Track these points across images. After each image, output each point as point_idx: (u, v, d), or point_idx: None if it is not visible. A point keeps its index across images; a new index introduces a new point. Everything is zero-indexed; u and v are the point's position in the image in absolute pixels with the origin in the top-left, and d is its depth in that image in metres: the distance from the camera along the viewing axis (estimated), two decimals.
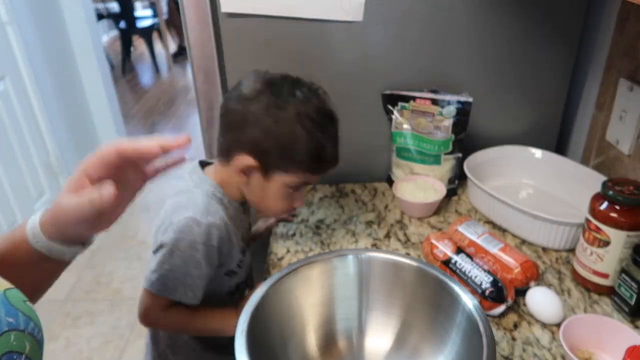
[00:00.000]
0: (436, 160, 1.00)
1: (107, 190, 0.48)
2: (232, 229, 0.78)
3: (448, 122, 0.96)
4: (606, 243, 0.74)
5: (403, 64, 0.99)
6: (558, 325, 0.71)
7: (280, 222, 0.98)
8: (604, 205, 0.73)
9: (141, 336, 0.86)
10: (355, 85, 1.01)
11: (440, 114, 0.95)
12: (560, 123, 1.07)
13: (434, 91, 0.97)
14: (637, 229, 0.71)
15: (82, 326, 1.90)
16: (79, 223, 0.50)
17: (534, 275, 0.77)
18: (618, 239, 0.72)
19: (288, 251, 0.90)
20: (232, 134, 0.75)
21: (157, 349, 0.89)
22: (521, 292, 0.76)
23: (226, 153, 0.76)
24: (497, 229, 0.94)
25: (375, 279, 0.60)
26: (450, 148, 0.98)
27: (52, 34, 2.43)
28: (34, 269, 0.52)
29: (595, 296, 0.78)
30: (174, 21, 4.64)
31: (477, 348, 0.49)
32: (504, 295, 0.72)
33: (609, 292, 0.77)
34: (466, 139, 0.99)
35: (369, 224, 0.97)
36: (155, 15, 4.51)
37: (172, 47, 4.82)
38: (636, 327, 0.72)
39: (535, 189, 1.02)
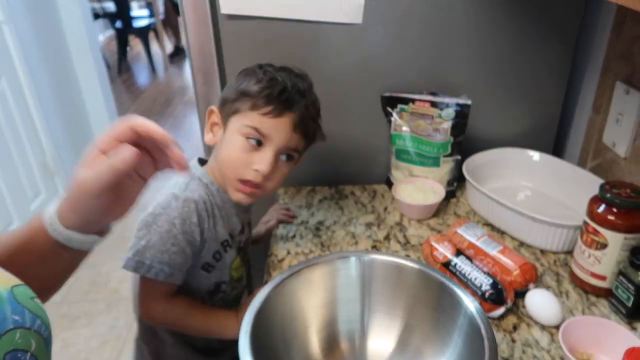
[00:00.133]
0: (435, 162, 1.00)
1: (127, 150, 0.46)
2: (217, 215, 0.79)
3: (447, 125, 0.96)
4: (604, 245, 0.74)
5: (402, 65, 0.99)
6: (557, 327, 0.72)
7: (280, 223, 0.99)
8: (602, 208, 0.74)
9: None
10: (354, 86, 1.01)
11: (440, 116, 0.96)
12: (557, 125, 1.08)
13: (433, 93, 0.97)
14: (634, 231, 0.72)
15: (80, 327, 1.90)
16: (100, 196, 0.48)
17: (532, 278, 0.78)
18: (615, 241, 0.73)
19: (288, 253, 0.90)
20: None
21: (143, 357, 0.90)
22: (520, 294, 0.77)
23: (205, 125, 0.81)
24: (496, 231, 0.94)
25: (378, 281, 0.61)
26: (449, 150, 0.99)
27: (48, 34, 2.42)
28: (54, 259, 0.51)
29: (593, 298, 0.79)
30: (171, 21, 4.63)
31: (479, 351, 0.49)
32: (503, 297, 0.73)
33: (607, 294, 0.78)
34: (464, 141, 1.00)
35: (369, 225, 0.98)
36: (151, 15, 4.50)
37: (169, 47, 4.81)
38: (633, 328, 0.73)
39: (533, 191, 1.03)
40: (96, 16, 3.98)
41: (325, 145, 1.06)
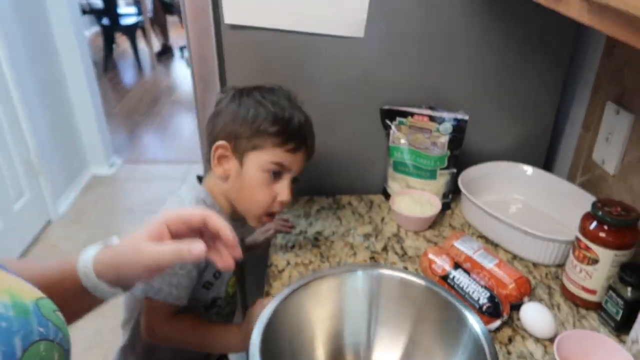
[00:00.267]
0: (432, 175, 1.03)
1: (199, 246, 0.49)
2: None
3: (444, 139, 0.99)
4: (595, 261, 0.78)
5: (401, 79, 1.02)
6: (550, 339, 0.75)
7: (278, 233, 1.00)
8: (594, 225, 0.77)
9: (116, 340, 0.87)
10: (353, 99, 1.03)
11: (437, 130, 0.98)
12: (549, 141, 1.12)
13: (432, 108, 1.00)
14: (624, 248, 0.75)
15: None
16: (150, 270, 0.50)
17: (527, 291, 0.81)
18: (606, 257, 0.76)
19: (288, 263, 0.92)
20: (209, 134, 0.81)
21: None
22: (515, 307, 0.80)
23: (208, 154, 0.81)
24: (490, 244, 0.97)
25: (385, 296, 0.62)
26: (446, 163, 1.02)
27: (34, 29, 2.37)
28: (76, 302, 0.52)
29: (583, 311, 0.82)
30: (159, 19, 4.59)
31: None
32: (500, 310, 0.76)
33: (596, 307, 0.81)
34: (459, 154, 1.03)
35: (367, 236, 0.99)
36: (139, 13, 4.45)
37: (156, 45, 4.76)
38: (621, 341, 0.76)
39: (525, 204, 1.06)
40: (82, 12, 3.92)
41: (324, 155, 1.08)
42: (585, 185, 1.00)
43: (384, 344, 0.63)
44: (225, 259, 0.53)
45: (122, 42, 4.84)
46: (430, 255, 0.86)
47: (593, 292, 0.80)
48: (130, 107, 3.88)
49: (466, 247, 0.88)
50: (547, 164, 1.16)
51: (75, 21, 2.59)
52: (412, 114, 1.00)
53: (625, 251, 0.76)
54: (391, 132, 1.03)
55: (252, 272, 1.04)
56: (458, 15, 0.96)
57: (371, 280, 0.63)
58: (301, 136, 0.79)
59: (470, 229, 1.02)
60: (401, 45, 0.98)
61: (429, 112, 0.99)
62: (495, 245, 0.97)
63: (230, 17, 0.93)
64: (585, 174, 1.03)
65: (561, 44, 1.01)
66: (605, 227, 0.76)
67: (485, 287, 0.78)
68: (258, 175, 0.77)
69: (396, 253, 0.95)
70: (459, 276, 0.80)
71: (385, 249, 0.96)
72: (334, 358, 0.63)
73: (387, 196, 1.10)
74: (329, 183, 1.12)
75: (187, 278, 0.76)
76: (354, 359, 0.64)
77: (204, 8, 0.91)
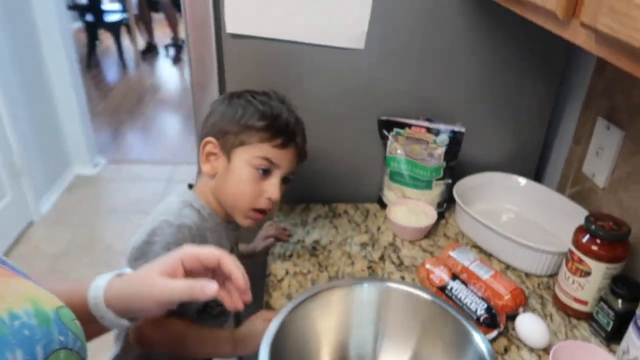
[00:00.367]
0: (428, 185, 1.04)
1: (213, 287, 0.49)
2: (210, 238, 0.80)
3: (441, 150, 1.01)
4: (587, 273, 0.80)
5: (399, 91, 1.03)
6: (544, 349, 0.77)
7: (277, 241, 1.00)
8: (586, 238, 0.80)
9: (108, 348, 0.83)
10: (351, 108, 1.04)
11: (434, 142, 1.00)
12: (540, 153, 1.15)
13: (429, 120, 1.01)
14: (616, 261, 0.78)
15: None
16: (160, 304, 0.51)
17: (522, 302, 0.83)
18: (598, 270, 0.79)
19: (287, 272, 0.92)
20: (200, 135, 0.82)
21: None
22: (510, 317, 0.82)
23: (199, 154, 0.81)
24: (483, 254, 0.99)
25: (392, 309, 0.64)
26: (442, 174, 1.03)
27: (18, 24, 2.31)
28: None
29: (574, 321, 0.85)
30: (144, 17, 4.52)
31: None
32: (497, 321, 0.78)
33: (587, 317, 0.84)
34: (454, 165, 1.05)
35: (364, 245, 1.01)
36: (124, 10, 4.38)
37: (141, 43, 4.70)
38: (611, 350, 0.78)
39: (517, 214, 1.08)
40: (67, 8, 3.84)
41: (320, 163, 1.09)
42: (575, 197, 1.03)
43: (389, 357, 0.64)
44: (235, 301, 0.54)
45: (105, 39, 4.76)
46: (428, 266, 0.88)
47: (585, 302, 0.83)
48: (114, 106, 3.82)
49: (462, 258, 0.90)
50: (536, 175, 1.19)
51: (61, 15, 2.53)
52: (409, 125, 1.01)
53: (616, 264, 0.78)
54: (388, 142, 1.04)
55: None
56: (456, 30, 0.98)
57: (378, 293, 0.64)
58: (289, 133, 0.79)
59: (464, 238, 1.04)
60: (400, 57, 0.99)
61: (426, 123, 1.01)
62: (489, 255, 0.99)
63: (232, 26, 0.93)
64: (574, 186, 1.06)
65: (554, 60, 1.04)
66: (598, 241, 0.78)
67: (483, 298, 0.80)
68: (245, 170, 0.78)
69: (393, 262, 0.96)
70: (457, 287, 0.82)
71: (382, 258, 0.97)
72: None
73: (382, 205, 1.12)
74: (324, 191, 1.13)
75: None
76: None
77: (205, 16, 0.91)
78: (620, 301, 0.77)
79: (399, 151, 1.04)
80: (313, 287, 0.64)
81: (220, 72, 0.98)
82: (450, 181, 1.05)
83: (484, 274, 0.87)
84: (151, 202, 2.73)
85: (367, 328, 0.65)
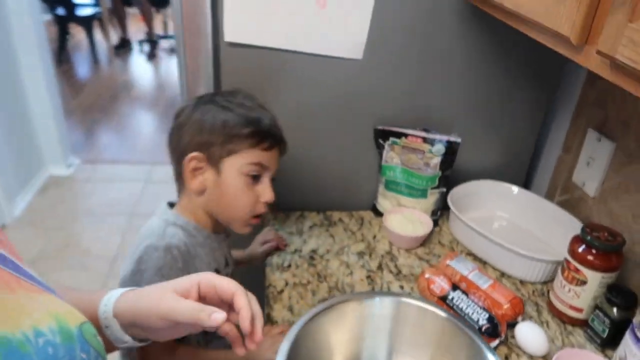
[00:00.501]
0: (423, 194, 1.05)
1: (220, 316, 0.48)
2: (201, 254, 0.78)
3: (437, 160, 1.02)
4: (583, 282, 0.83)
5: (395, 101, 1.03)
6: (543, 357, 0.79)
7: (276, 250, 0.99)
8: (582, 248, 0.82)
9: None
10: (347, 117, 1.04)
11: (430, 151, 1.01)
12: (530, 161, 1.17)
13: (426, 130, 1.02)
14: (611, 271, 0.81)
15: None
16: (164, 321, 0.49)
17: (521, 311, 0.85)
18: (594, 279, 0.81)
19: (287, 284, 0.91)
20: (174, 150, 0.78)
21: None
22: (509, 325, 0.83)
23: (178, 173, 0.78)
24: (478, 261, 1.01)
25: (406, 324, 0.64)
26: (437, 183, 1.04)
27: None
28: None
29: (570, 327, 0.87)
30: (118, 11, 4.39)
31: None
32: (498, 330, 0.79)
33: (582, 324, 0.86)
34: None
35: (361, 254, 1.01)
36: (97, 3, 4.24)
37: (114, 38, 4.56)
38: (607, 356, 0.81)
39: (508, 221, 1.11)
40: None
41: (315, 171, 1.09)
42: (564, 205, 1.06)
43: None
44: (243, 342, 0.52)
45: (76, 33, 4.60)
46: (428, 275, 0.89)
47: (580, 310, 0.85)
48: (87, 104, 3.70)
49: (461, 267, 0.91)
50: (525, 182, 1.21)
51: (33, 7, 2.42)
52: (405, 135, 1.02)
53: (611, 273, 0.81)
54: (384, 151, 1.04)
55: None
56: (453, 41, 0.98)
57: (392, 308, 0.64)
58: (274, 133, 0.78)
59: (459, 246, 1.05)
60: (396, 67, 0.99)
61: (422, 133, 1.01)
62: (484, 263, 1.00)
63: (230, 35, 0.91)
64: (564, 194, 1.09)
65: (547, 71, 1.06)
66: (594, 251, 0.81)
67: (484, 308, 0.81)
68: (238, 180, 0.76)
69: (391, 272, 0.97)
70: (458, 297, 0.83)
71: (380, 267, 0.98)
72: None
73: (377, 212, 1.12)
74: (318, 198, 1.13)
75: None
76: None
77: (203, 25, 0.89)
78: (615, 309, 0.79)
79: (395, 160, 1.04)
80: (328, 300, 0.64)
81: (216, 81, 0.96)
82: (445, 190, 1.07)
83: (483, 283, 0.88)
84: (128, 203, 2.66)
85: (380, 342, 0.65)
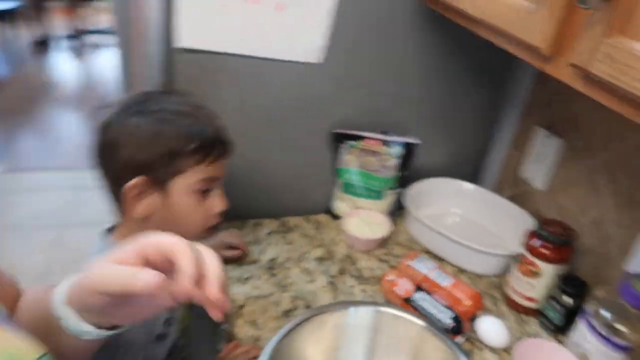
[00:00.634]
0: (379, 195, 1.05)
1: (147, 275, 0.39)
2: None
3: (394, 161, 1.02)
4: (538, 274, 0.86)
5: (351, 104, 1.02)
6: (505, 349, 0.82)
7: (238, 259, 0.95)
8: (538, 242, 0.85)
9: None
10: (303, 120, 1.01)
11: (388, 153, 1.01)
12: (480, 157, 1.21)
13: (384, 132, 1.02)
14: (563, 262, 0.85)
15: None
16: (99, 293, 0.41)
17: (481, 306, 0.87)
18: (548, 271, 0.85)
19: (248, 298, 0.87)
20: (107, 171, 0.69)
21: None
22: (469, 320, 0.85)
23: (116, 197, 0.69)
24: (436, 259, 1.02)
25: (382, 334, 0.63)
26: (395, 184, 1.04)
27: None
28: (53, 337, 0.45)
29: (524, 317, 0.91)
30: (37, 4, 4.04)
31: None
32: (462, 327, 0.80)
33: (535, 313, 0.90)
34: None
35: (321, 260, 0.99)
36: None
37: (36, 34, 4.20)
38: (559, 341, 0.85)
39: (462, 217, 1.13)
40: None
41: (271, 176, 1.05)
42: (513, 199, 1.10)
43: None
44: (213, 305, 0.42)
45: None
46: (390, 277, 0.88)
47: (535, 300, 0.89)
48: (5, 106, 3.38)
49: (422, 267, 0.92)
50: (474, 178, 1.25)
51: None
52: (363, 138, 1.01)
53: (564, 265, 0.85)
54: (341, 154, 1.03)
55: None
56: (408, 42, 0.98)
57: (368, 318, 0.62)
58: (220, 141, 0.71)
59: (416, 245, 1.06)
60: (353, 70, 0.98)
61: (380, 136, 1.01)
62: (441, 260, 1.02)
63: (185, 40, 0.84)
64: (512, 189, 1.13)
65: (498, 73, 1.09)
66: (549, 245, 0.84)
67: (447, 307, 0.82)
68: (188, 198, 0.70)
69: (353, 276, 0.96)
70: (422, 298, 0.84)
71: (341, 272, 0.96)
72: None
73: (333, 216, 1.10)
74: (273, 204, 1.09)
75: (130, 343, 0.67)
76: None
77: (155, 30, 0.82)
78: (568, 298, 0.83)
79: (352, 163, 1.03)
80: (304, 312, 0.61)
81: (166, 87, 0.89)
82: (401, 190, 1.07)
83: (443, 281, 0.89)
84: (57, 214, 2.46)
85: (356, 353, 0.63)
